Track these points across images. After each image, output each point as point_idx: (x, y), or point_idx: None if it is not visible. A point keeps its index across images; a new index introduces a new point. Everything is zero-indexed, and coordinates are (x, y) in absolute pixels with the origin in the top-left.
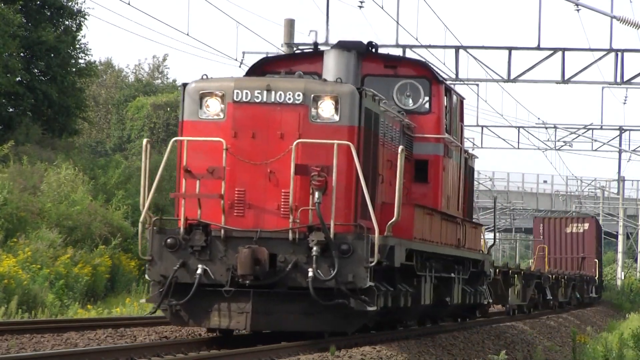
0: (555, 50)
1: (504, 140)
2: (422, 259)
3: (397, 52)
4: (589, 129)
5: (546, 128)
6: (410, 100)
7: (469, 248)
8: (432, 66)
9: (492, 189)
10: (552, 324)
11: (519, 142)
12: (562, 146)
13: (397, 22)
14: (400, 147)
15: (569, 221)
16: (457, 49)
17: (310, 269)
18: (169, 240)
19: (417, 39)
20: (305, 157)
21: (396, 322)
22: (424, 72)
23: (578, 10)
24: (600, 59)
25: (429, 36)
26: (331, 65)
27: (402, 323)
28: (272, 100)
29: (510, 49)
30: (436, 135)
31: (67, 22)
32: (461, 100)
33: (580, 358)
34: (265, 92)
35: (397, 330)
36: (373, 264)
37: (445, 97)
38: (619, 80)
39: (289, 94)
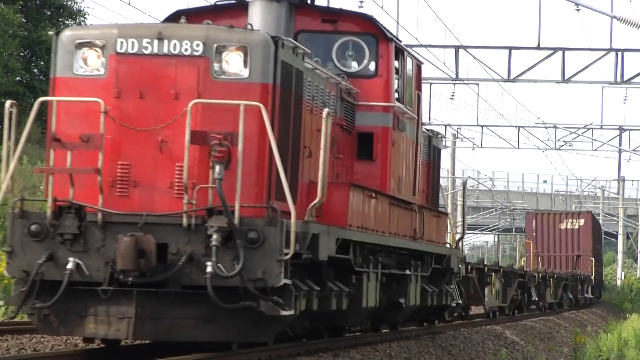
0: (555, 50)
1: (504, 140)
2: (364, 252)
3: None
4: (589, 129)
5: (546, 128)
6: (353, 62)
7: (429, 240)
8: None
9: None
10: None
11: (519, 142)
12: (562, 146)
13: (397, 22)
14: (326, 110)
15: (564, 217)
16: (457, 48)
17: (209, 263)
18: (32, 226)
19: (417, 39)
20: (206, 122)
21: (339, 328)
22: (370, 28)
23: (578, 10)
24: (600, 58)
25: (429, 36)
26: (257, 19)
27: (346, 329)
28: (165, 51)
29: (510, 48)
30: (384, 103)
31: (67, 22)
32: (418, 64)
33: (580, 358)
34: (156, 42)
35: (396, 331)
36: (288, 256)
37: (396, 59)
38: (619, 79)
39: (186, 44)
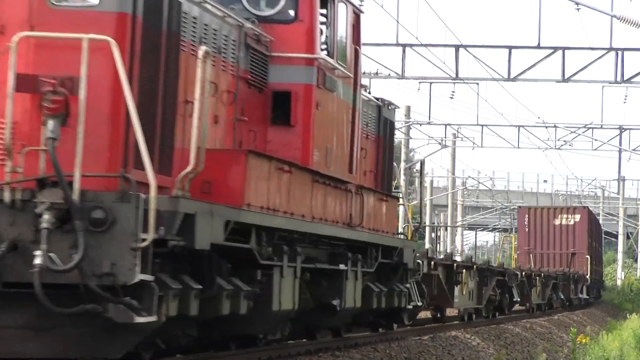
0: (555, 49)
1: (504, 139)
2: (274, 241)
3: (398, 51)
4: (589, 128)
5: (546, 127)
6: (267, 5)
7: (373, 229)
8: None
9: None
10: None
11: (519, 142)
12: (562, 145)
13: (397, 21)
14: (203, 49)
15: (558, 212)
16: (457, 48)
17: (37, 252)
18: None
19: (417, 38)
20: (41, 64)
21: (253, 337)
22: None
23: (578, 9)
24: (600, 57)
25: (429, 35)
26: None
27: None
28: None
29: (510, 47)
30: (305, 54)
31: None
32: (356, 12)
33: (582, 358)
34: None
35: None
36: (146, 242)
37: (324, 4)
38: (619, 79)
39: None
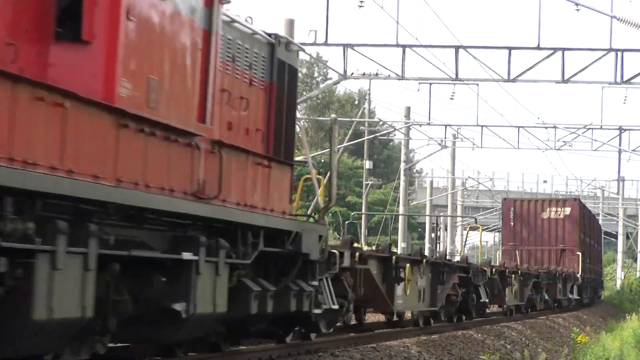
0: (555, 50)
1: (504, 140)
2: (37, 212)
3: (398, 52)
4: (588, 129)
5: (546, 128)
6: None
7: (249, 205)
8: None
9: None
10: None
11: (518, 142)
12: (562, 146)
13: (397, 22)
14: None
15: (547, 204)
16: (457, 48)
17: None
18: None
19: (417, 39)
20: None
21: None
22: None
23: (578, 10)
24: (600, 58)
25: (429, 36)
26: None
27: None
28: None
29: (510, 48)
30: None
31: None
32: None
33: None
34: None
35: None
36: None
37: None
38: (618, 80)
39: None
